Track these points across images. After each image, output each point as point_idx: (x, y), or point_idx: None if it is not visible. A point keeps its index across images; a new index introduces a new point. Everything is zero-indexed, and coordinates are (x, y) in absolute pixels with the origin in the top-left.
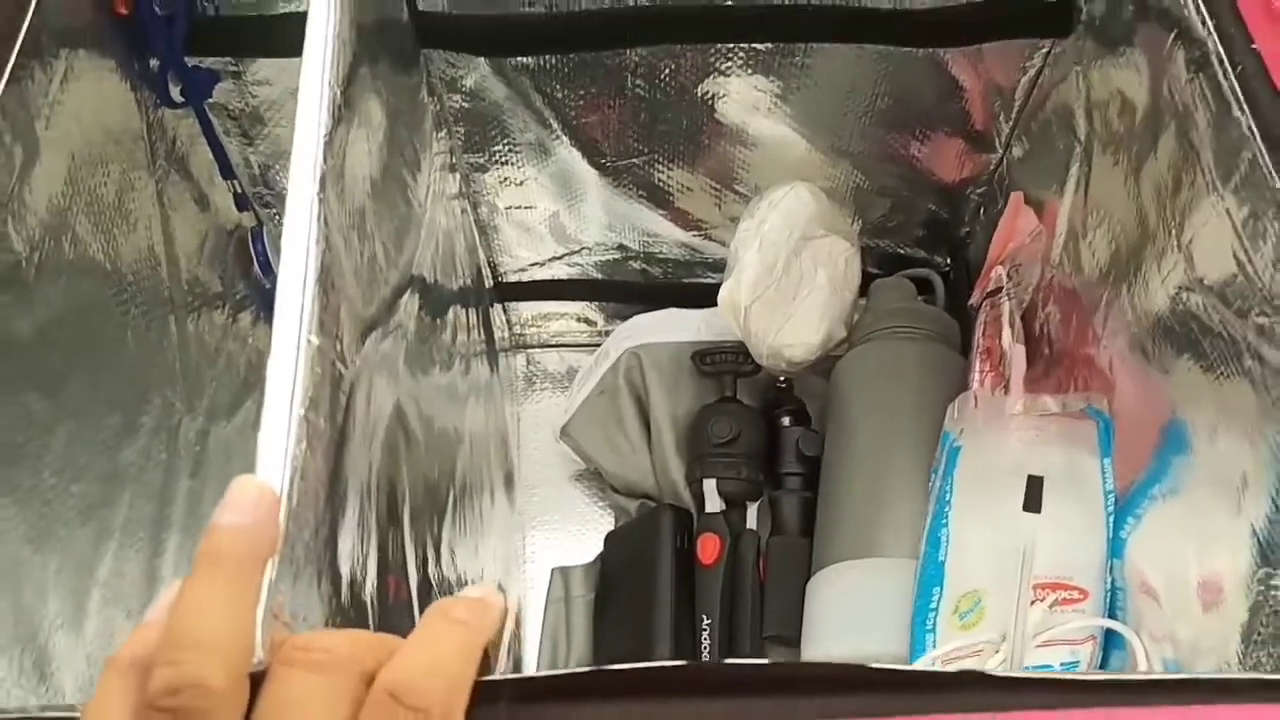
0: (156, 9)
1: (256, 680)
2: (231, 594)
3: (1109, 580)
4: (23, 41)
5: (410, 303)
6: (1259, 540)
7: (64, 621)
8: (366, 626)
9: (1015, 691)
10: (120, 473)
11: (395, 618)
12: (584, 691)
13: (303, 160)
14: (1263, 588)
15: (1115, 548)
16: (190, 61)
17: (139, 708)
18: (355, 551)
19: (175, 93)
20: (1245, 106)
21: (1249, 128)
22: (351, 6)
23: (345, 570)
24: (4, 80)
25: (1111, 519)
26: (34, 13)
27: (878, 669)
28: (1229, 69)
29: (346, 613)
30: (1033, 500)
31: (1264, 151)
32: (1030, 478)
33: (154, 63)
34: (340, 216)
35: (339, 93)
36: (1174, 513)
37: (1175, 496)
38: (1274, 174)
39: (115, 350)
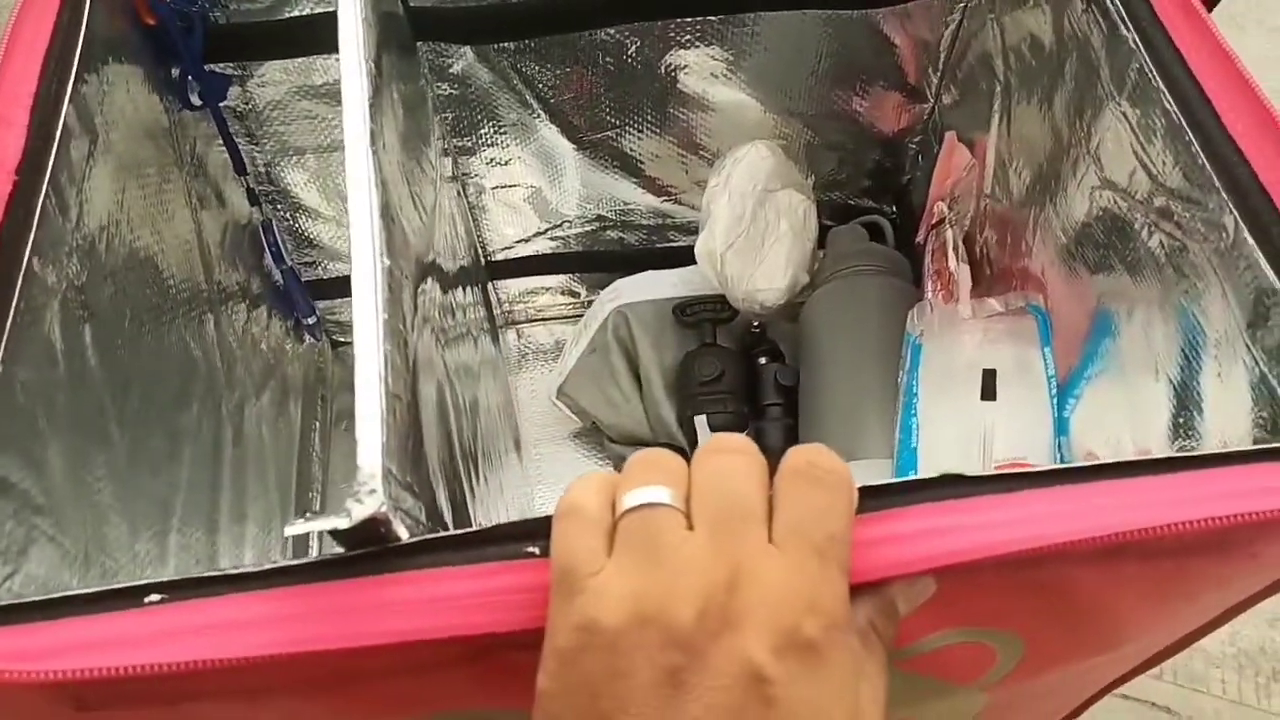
0: (177, 19)
1: None
2: None
3: (1059, 456)
4: (80, 51)
5: (432, 288)
6: (1174, 388)
7: (151, 560)
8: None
9: (977, 484)
10: (181, 433)
11: None
12: None
13: (353, 118)
14: (1182, 438)
15: (1061, 426)
16: (206, 67)
17: None
18: (434, 478)
19: (193, 97)
20: (1130, 24)
21: (1134, 41)
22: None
23: (434, 487)
24: (71, 77)
25: (1055, 401)
26: (85, 26)
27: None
28: None
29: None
30: (988, 390)
31: (1148, 60)
32: (984, 371)
33: (174, 70)
34: (389, 167)
35: (373, 65)
36: (1108, 389)
37: (1107, 375)
38: (1157, 76)
39: (168, 329)
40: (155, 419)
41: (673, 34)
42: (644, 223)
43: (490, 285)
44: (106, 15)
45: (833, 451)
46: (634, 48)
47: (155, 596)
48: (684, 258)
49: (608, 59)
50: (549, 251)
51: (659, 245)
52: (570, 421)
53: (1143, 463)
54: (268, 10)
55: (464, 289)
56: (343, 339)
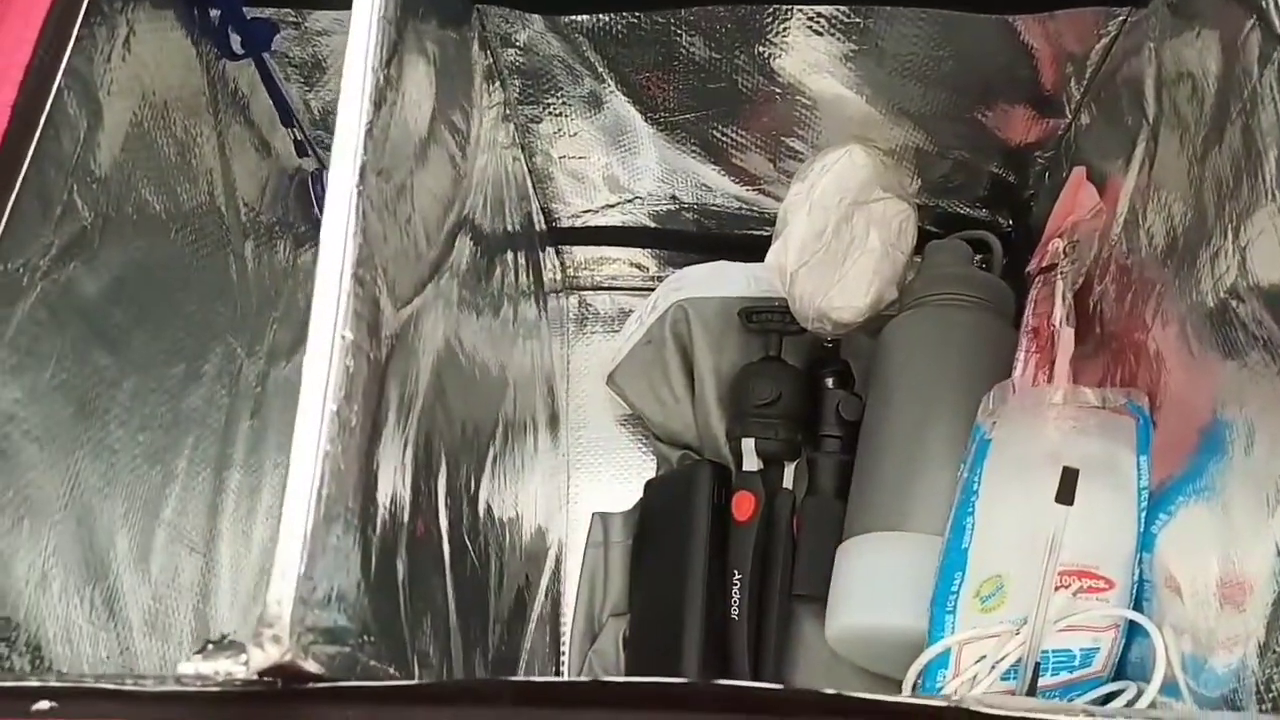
0: None
1: None
2: None
3: (1137, 572)
4: (87, 6)
5: (463, 242)
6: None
7: (132, 560)
8: (395, 559)
9: None
10: (184, 418)
11: (420, 553)
12: (583, 701)
13: (344, 153)
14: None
15: (1145, 541)
16: (249, 13)
17: None
18: (390, 494)
19: (236, 44)
20: None
21: None
22: None
23: (380, 510)
24: (70, 46)
25: (1144, 514)
26: None
27: (861, 698)
28: None
29: (376, 546)
30: (1066, 492)
31: None
32: (1066, 469)
33: (214, 13)
34: (380, 199)
35: (382, 76)
36: (1205, 513)
37: (1208, 498)
38: None
39: (178, 302)
40: (154, 409)
41: (769, 20)
42: (723, 209)
43: (554, 249)
44: None
45: None
46: (724, 29)
47: (44, 704)
48: (763, 250)
49: (694, 39)
50: (620, 224)
51: (737, 232)
52: (621, 404)
53: None
54: None
55: (508, 253)
56: None
